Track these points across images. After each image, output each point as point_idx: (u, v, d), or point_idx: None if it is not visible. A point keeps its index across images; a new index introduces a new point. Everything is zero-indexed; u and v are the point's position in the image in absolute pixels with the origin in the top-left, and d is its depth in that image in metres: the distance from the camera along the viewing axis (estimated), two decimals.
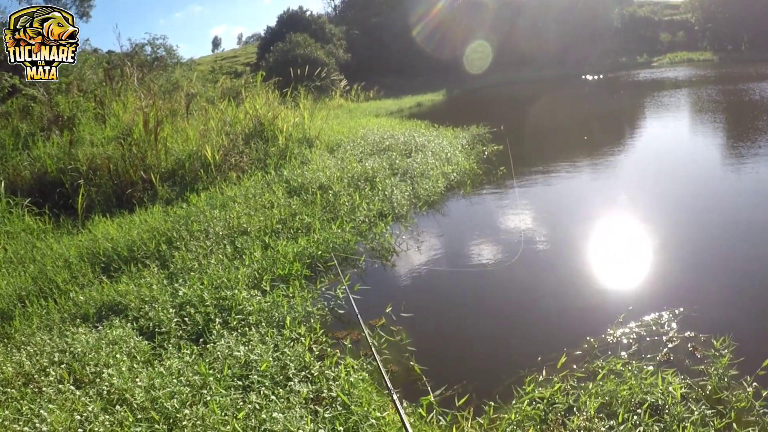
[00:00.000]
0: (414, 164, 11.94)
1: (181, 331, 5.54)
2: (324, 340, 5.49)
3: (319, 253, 7.51)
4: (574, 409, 4.21)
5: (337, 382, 4.51)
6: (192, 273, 6.81)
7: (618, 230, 8.55)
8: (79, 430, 3.94)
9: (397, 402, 2.81)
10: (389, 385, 3.12)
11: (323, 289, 6.71)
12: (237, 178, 11.30)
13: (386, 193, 9.95)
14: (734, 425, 3.95)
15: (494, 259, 7.65)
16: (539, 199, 10.74)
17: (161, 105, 13.90)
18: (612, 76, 45.27)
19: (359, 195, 9.73)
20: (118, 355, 4.98)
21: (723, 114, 19.91)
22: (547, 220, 9.30)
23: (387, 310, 6.11)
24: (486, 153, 14.92)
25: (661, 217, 8.74)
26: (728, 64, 46.55)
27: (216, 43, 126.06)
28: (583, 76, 45.69)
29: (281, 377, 4.66)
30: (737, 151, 13.27)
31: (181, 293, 6.13)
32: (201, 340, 5.37)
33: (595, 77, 45.06)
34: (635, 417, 4.00)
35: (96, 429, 3.91)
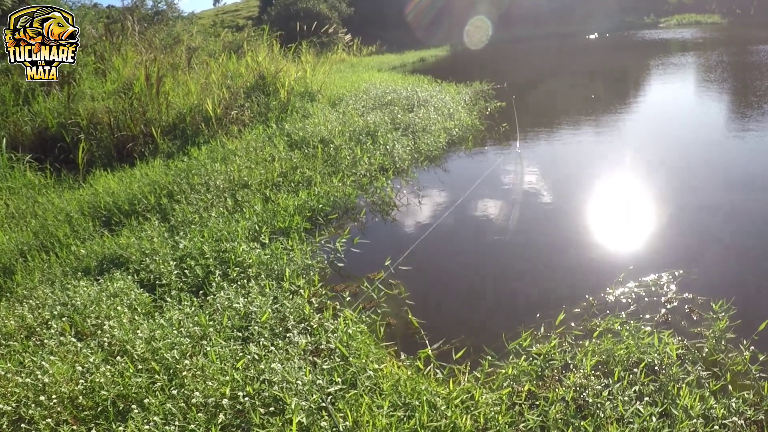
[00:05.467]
0: (416, 119, 11.85)
1: (181, 284, 5.57)
2: (323, 292, 5.52)
3: (320, 206, 7.51)
4: (571, 366, 4.23)
5: (335, 334, 4.54)
6: (192, 226, 6.82)
7: (621, 190, 8.50)
8: (81, 380, 3.98)
9: None
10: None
11: (323, 242, 6.73)
12: (238, 131, 11.25)
13: (388, 147, 9.91)
14: (729, 387, 3.95)
15: (495, 215, 7.63)
16: (542, 156, 10.68)
17: (162, 59, 13.78)
18: (617, 35, 44.45)
19: (360, 149, 9.69)
20: (119, 308, 5.01)
21: (730, 76, 19.57)
22: (550, 177, 9.24)
23: (386, 264, 6.13)
24: (489, 109, 14.80)
25: (665, 179, 8.69)
26: (736, 27, 45.53)
27: None
28: (587, 35, 44.91)
29: (280, 329, 4.69)
30: (743, 114, 13.11)
31: (181, 246, 6.14)
32: (201, 292, 5.41)
33: (599, 36, 44.30)
34: (631, 376, 4.02)
35: (97, 380, 3.95)
